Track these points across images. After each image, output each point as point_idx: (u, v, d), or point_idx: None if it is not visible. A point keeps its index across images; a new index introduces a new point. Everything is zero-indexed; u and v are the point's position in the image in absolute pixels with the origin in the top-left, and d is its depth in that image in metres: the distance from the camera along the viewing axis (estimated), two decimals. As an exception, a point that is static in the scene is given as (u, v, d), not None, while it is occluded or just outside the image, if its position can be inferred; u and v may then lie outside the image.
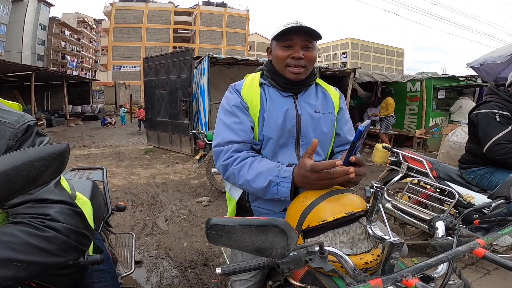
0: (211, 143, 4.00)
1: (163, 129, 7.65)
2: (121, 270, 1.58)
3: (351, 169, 0.82)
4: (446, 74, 8.03)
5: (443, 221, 0.89)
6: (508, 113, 2.06)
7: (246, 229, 0.57)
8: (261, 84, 1.11)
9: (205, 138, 4.14)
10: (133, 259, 1.68)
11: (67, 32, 39.75)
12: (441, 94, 7.67)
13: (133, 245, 1.82)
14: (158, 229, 3.14)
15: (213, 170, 4.13)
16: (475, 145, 2.23)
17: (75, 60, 42.56)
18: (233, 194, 1.13)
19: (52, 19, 36.17)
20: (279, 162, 1.04)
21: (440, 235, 0.85)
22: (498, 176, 2.12)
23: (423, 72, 7.65)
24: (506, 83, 2.15)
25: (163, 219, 3.40)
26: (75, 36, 42.47)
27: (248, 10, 42.54)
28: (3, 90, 14.67)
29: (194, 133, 4.88)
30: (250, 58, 7.28)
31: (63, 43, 38.86)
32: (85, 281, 0.96)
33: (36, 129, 0.71)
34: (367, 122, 0.84)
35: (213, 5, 41.00)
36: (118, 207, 1.61)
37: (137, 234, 2.96)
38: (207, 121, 6.23)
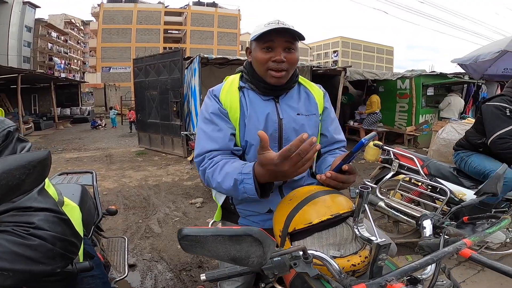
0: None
1: (155, 131, 7.57)
2: (114, 274, 1.56)
3: (314, 138, 0.74)
4: (434, 71, 8.16)
5: (431, 219, 0.88)
6: None
7: (219, 239, 0.55)
8: (240, 88, 1.07)
9: (197, 139, 4.11)
10: (126, 263, 1.66)
11: (54, 34, 38.97)
12: (430, 91, 7.81)
13: (126, 249, 1.79)
14: (151, 232, 3.10)
15: (206, 171, 4.11)
16: (474, 131, 2.30)
17: (63, 62, 41.80)
18: (218, 199, 1.13)
19: (38, 21, 35.33)
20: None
21: (427, 234, 0.84)
22: (473, 159, 2.23)
23: (412, 70, 7.76)
24: None
25: (156, 221, 3.36)
26: (62, 38, 41.71)
27: (239, 10, 42.46)
28: (-12, 93, 14.33)
29: (186, 134, 4.84)
30: (242, 58, 7.26)
31: (49, 45, 38.15)
32: (76, 287, 0.94)
33: (17, 135, 0.69)
34: (370, 134, 0.83)
35: (204, 5, 40.75)
36: (109, 211, 1.59)
37: (130, 238, 2.92)
38: (198, 122, 6.19)
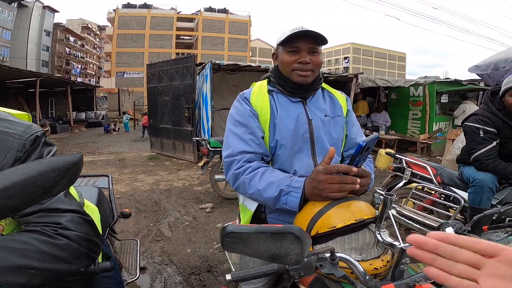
0: (214, 150, 4.05)
1: (166, 136, 7.67)
2: (125, 276, 1.59)
3: (358, 180, 0.83)
4: (448, 78, 8.02)
5: (453, 227, 0.89)
6: (493, 129, 2.12)
7: (262, 236, 0.57)
8: (269, 91, 1.11)
9: (208, 145, 4.14)
10: (137, 266, 1.69)
11: (71, 38, 40.08)
12: (444, 99, 7.66)
13: (138, 252, 1.82)
14: (161, 236, 3.14)
15: (217, 176, 4.14)
16: (465, 148, 2.38)
17: (79, 66, 42.89)
18: (249, 206, 1.12)
19: (57, 25, 36.43)
20: (295, 170, 1.04)
21: None
22: (466, 171, 2.31)
23: (425, 77, 7.66)
24: (500, 93, 2.15)
25: (167, 225, 3.40)
26: (79, 42, 42.78)
27: (249, 16, 42.90)
28: (8, 96, 14.84)
29: (197, 140, 4.89)
30: (253, 64, 7.33)
31: (67, 49, 39.21)
32: (92, 287, 0.96)
33: (44, 139, 0.72)
34: (371, 136, 0.85)
35: (215, 11, 41.38)
36: (123, 214, 1.62)
37: (141, 240, 2.96)
38: (209, 128, 6.24)
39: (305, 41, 1.03)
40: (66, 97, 14.79)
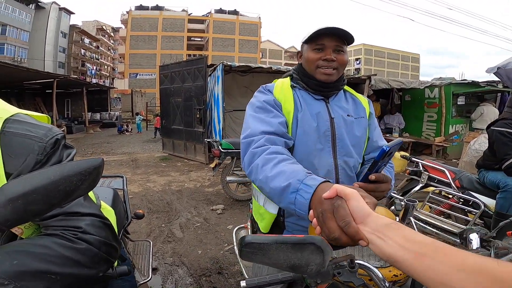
0: (226, 152, 4.05)
1: (178, 137, 7.75)
2: (138, 277, 1.59)
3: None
4: (465, 79, 7.81)
5: (477, 233, 0.86)
6: None
7: (282, 247, 0.56)
8: (292, 87, 1.10)
9: (220, 147, 4.15)
10: (150, 267, 1.69)
11: (87, 40, 40.89)
12: (461, 101, 7.47)
13: (150, 253, 1.82)
14: (173, 237, 3.15)
15: (228, 178, 4.14)
16: (490, 154, 2.31)
17: (94, 67, 43.84)
18: (270, 209, 1.06)
19: (73, 27, 37.20)
20: (315, 169, 1.00)
21: (475, 247, 0.84)
22: (492, 176, 2.25)
23: (440, 78, 7.49)
24: None
25: (178, 226, 3.42)
26: (94, 44, 43.66)
27: (259, 17, 43.02)
28: (25, 97, 15.35)
29: (209, 141, 4.91)
30: (264, 66, 7.33)
31: (82, 51, 40.02)
32: None
33: (64, 142, 0.72)
34: (395, 141, 0.81)
35: (225, 13, 41.61)
36: (137, 215, 1.63)
37: (153, 241, 2.98)
38: (221, 129, 6.27)
39: (331, 38, 1.01)
40: (82, 98, 15.15)
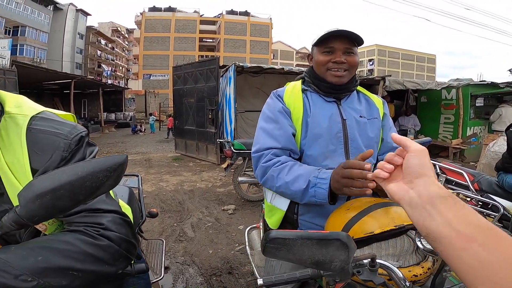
0: (238, 152, 4.06)
1: (191, 137, 7.82)
2: (151, 276, 1.61)
3: (371, 185, 0.79)
4: (484, 80, 7.57)
5: None
6: None
7: (307, 243, 0.56)
8: (303, 90, 1.11)
9: (232, 147, 4.16)
10: (162, 265, 1.70)
11: (103, 41, 41.64)
12: (479, 102, 7.24)
13: (163, 252, 1.84)
14: (185, 236, 3.18)
15: (240, 178, 4.14)
16: (509, 156, 2.29)
17: (110, 68, 44.70)
18: (279, 205, 1.09)
19: (89, 28, 37.97)
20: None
21: None
22: (509, 178, 2.23)
23: (458, 79, 7.29)
24: None
25: (190, 226, 3.44)
26: (110, 45, 44.43)
27: (270, 18, 42.97)
28: (44, 97, 15.82)
29: (221, 142, 4.94)
30: (275, 67, 7.32)
31: (98, 52, 40.81)
32: (122, 287, 0.98)
33: (87, 139, 0.73)
34: (424, 139, 0.82)
35: (237, 14, 41.78)
36: (151, 214, 1.65)
37: (165, 240, 3.02)
38: (232, 130, 6.28)
39: (340, 41, 1.02)
40: (98, 99, 15.52)
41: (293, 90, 1.11)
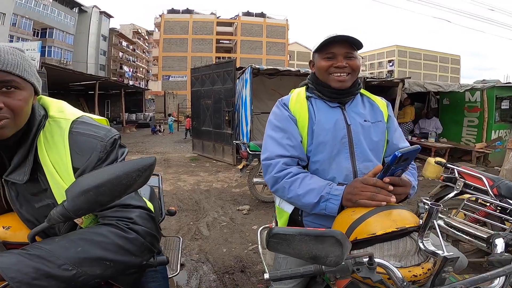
0: (254, 154, 4.12)
1: (207, 138, 7.94)
2: (168, 271, 1.68)
3: (393, 199, 0.87)
4: (510, 82, 7.23)
5: (503, 238, 0.85)
6: None
7: (305, 239, 0.62)
8: (307, 97, 1.13)
9: (248, 149, 4.21)
10: (179, 262, 1.77)
11: (124, 43, 42.85)
12: (505, 105, 6.92)
13: (180, 249, 1.91)
14: (200, 234, 3.27)
15: (255, 179, 4.19)
16: None
17: (131, 70, 45.93)
18: (286, 208, 1.14)
19: (112, 30, 39.24)
20: (333, 174, 1.06)
21: (499, 251, 0.83)
22: None
23: (483, 80, 6.99)
24: None
25: (205, 224, 3.53)
26: (131, 47, 45.67)
27: (287, 19, 42.71)
28: (70, 98, 16.51)
29: (237, 143, 5.01)
30: (291, 69, 7.33)
31: (120, 54, 42.04)
32: (141, 280, 1.04)
33: (119, 142, 0.81)
34: (409, 147, 0.85)
35: (253, 16, 41.82)
36: (170, 212, 1.72)
37: (182, 238, 3.12)
38: (248, 132, 6.34)
39: (340, 46, 1.04)
40: (120, 99, 16.00)
41: (297, 98, 1.13)
